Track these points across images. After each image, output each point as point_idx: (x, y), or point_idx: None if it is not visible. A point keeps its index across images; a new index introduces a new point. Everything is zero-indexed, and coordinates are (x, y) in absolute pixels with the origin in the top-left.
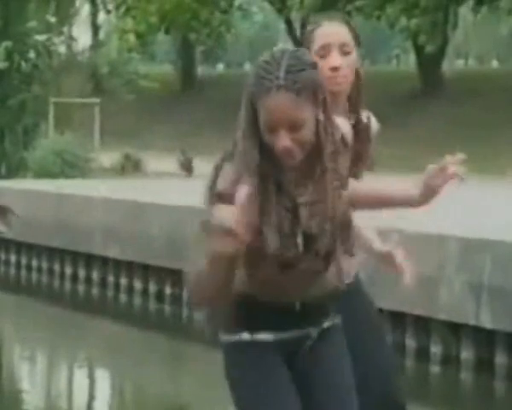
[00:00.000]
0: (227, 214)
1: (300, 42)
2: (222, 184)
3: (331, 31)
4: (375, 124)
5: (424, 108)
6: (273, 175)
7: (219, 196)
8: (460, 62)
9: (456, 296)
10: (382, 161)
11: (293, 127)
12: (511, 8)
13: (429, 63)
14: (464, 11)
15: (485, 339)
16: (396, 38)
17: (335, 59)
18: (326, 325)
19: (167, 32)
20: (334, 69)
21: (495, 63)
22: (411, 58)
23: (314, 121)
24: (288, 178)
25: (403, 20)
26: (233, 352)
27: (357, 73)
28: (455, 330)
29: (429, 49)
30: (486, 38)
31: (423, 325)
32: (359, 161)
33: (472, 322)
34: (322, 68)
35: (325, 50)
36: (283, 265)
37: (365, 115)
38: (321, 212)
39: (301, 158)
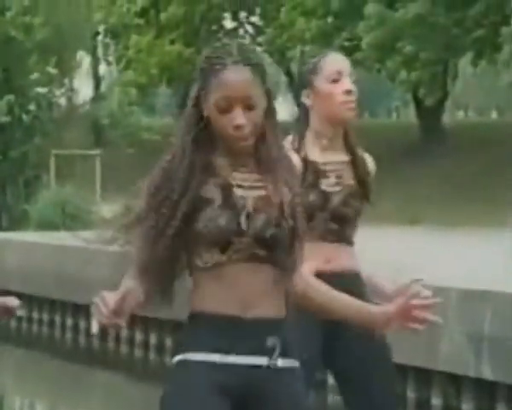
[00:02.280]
0: (99, 308)
1: (299, 79)
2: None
3: (342, 58)
4: (371, 162)
5: (424, 160)
6: (203, 158)
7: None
8: (460, 114)
9: (457, 348)
10: (383, 214)
11: (248, 105)
12: (510, 61)
13: (429, 115)
14: (464, 63)
15: (486, 391)
16: (396, 90)
17: (349, 83)
18: (281, 363)
19: (169, 83)
20: (349, 93)
21: (494, 115)
22: (411, 110)
23: (262, 109)
24: (221, 162)
25: (403, 73)
26: (172, 371)
27: None
28: (455, 381)
29: (429, 101)
30: (486, 89)
31: (424, 376)
32: (362, 196)
33: (472, 374)
34: (335, 94)
35: (339, 75)
36: (223, 244)
37: (360, 152)
38: (264, 197)
39: (248, 142)
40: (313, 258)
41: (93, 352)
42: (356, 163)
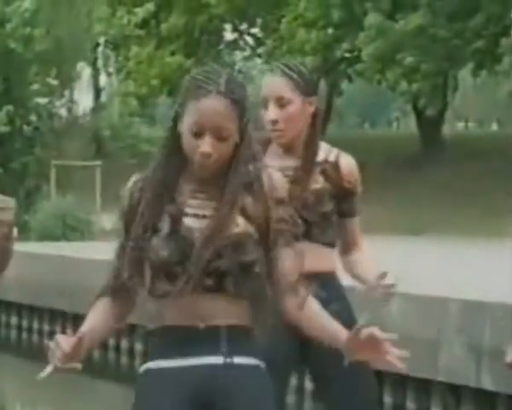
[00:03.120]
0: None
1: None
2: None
3: (269, 83)
4: (346, 160)
5: (424, 170)
6: (171, 179)
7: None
8: (460, 125)
9: (457, 358)
10: (382, 224)
11: (219, 136)
12: (510, 71)
13: (429, 126)
14: (464, 74)
15: (486, 401)
16: (396, 101)
17: (273, 112)
18: (238, 360)
19: (169, 94)
20: (272, 123)
21: (495, 126)
22: (411, 121)
23: (234, 143)
24: (183, 186)
25: (403, 84)
26: (137, 382)
27: (312, 117)
28: (455, 391)
29: (429, 112)
30: (486, 101)
31: (424, 387)
32: (344, 200)
33: (472, 384)
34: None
35: (266, 103)
36: (168, 274)
37: (334, 154)
38: (213, 227)
39: (210, 171)
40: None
41: (93, 362)
42: (308, 168)
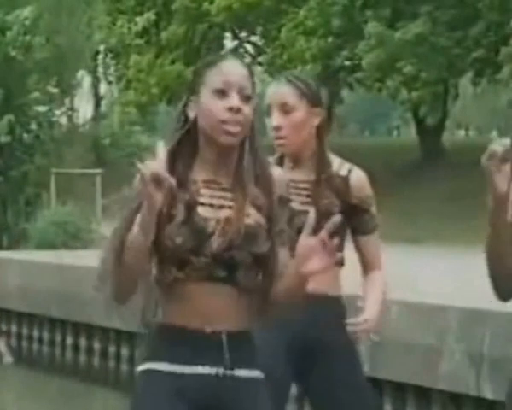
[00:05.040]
0: (151, 164)
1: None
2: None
3: (275, 91)
4: (357, 175)
5: (425, 179)
6: (180, 171)
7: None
8: (460, 133)
9: (457, 366)
10: (382, 232)
11: (243, 94)
12: (509, 80)
13: (430, 134)
14: (464, 83)
15: (487, 409)
16: (396, 109)
17: (276, 119)
18: (239, 373)
19: (169, 103)
20: (276, 129)
21: (495, 134)
22: (412, 129)
23: (253, 108)
24: (195, 176)
25: (403, 93)
26: (137, 380)
27: (317, 130)
28: (455, 400)
29: (430, 120)
30: (486, 109)
31: (424, 395)
32: (355, 217)
33: (473, 392)
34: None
35: (270, 109)
36: (180, 262)
37: (345, 169)
38: (228, 218)
39: (235, 141)
40: None
41: (93, 370)
42: (321, 182)
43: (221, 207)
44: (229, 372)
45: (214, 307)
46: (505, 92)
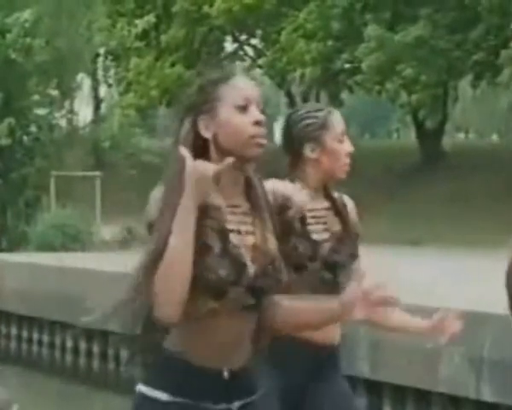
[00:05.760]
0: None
1: (295, 129)
2: (152, 213)
3: (342, 118)
4: (350, 201)
5: (425, 181)
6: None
7: (150, 226)
8: (460, 136)
9: (457, 369)
10: (383, 235)
11: (260, 108)
12: (510, 83)
13: (429, 137)
14: (463, 85)
15: None
16: (396, 111)
17: (350, 145)
18: (249, 399)
19: (169, 106)
20: (349, 155)
21: (495, 137)
22: (412, 132)
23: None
24: (215, 201)
25: (403, 96)
26: (145, 406)
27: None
28: (455, 403)
29: (429, 123)
30: (486, 112)
31: (423, 398)
32: (351, 240)
33: (472, 395)
34: (342, 154)
35: (343, 136)
36: (220, 293)
37: (337, 196)
38: (255, 245)
39: (260, 153)
40: None
41: (93, 373)
42: (337, 208)
43: (246, 233)
44: (237, 405)
45: (235, 339)
46: (505, 95)
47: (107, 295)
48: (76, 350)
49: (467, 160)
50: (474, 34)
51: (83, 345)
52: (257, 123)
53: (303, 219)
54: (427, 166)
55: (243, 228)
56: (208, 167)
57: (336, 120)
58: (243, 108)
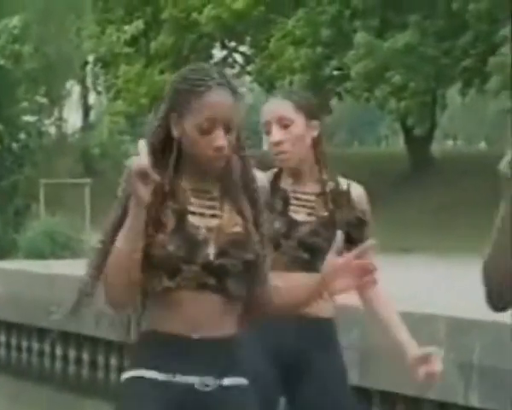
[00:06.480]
0: (136, 159)
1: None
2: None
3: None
4: (357, 189)
5: (414, 188)
6: (165, 181)
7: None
8: (449, 143)
9: (446, 376)
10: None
11: (228, 128)
12: (498, 91)
13: (418, 144)
14: (452, 93)
15: None
16: (385, 118)
17: (274, 135)
18: (227, 381)
19: None
20: (276, 144)
21: (483, 144)
22: (400, 139)
23: (237, 134)
24: (183, 186)
25: (392, 102)
26: (123, 387)
27: (314, 142)
28: (444, 409)
29: (418, 130)
30: (474, 119)
31: (413, 404)
32: (355, 229)
33: (461, 401)
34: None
35: (268, 127)
36: (171, 270)
37: (344, 183)
38: (218, 226)
39: (221, 166)
40: None
41: (83, 381)
42: (326, 194)
43: (211, 215)
44: (217, 382)
45: (203, 315)
46: (493, 102)
47: (96, 301)
48: (66, 358)
49: (456, 166)
50: (463, 41)
51: (72, 353)
52: (217, 149)
53: (286, 200)
54: (416, 172)
55: (208, 211)
56: (141, 162)
57: (264, 109)
58: (206, 131)
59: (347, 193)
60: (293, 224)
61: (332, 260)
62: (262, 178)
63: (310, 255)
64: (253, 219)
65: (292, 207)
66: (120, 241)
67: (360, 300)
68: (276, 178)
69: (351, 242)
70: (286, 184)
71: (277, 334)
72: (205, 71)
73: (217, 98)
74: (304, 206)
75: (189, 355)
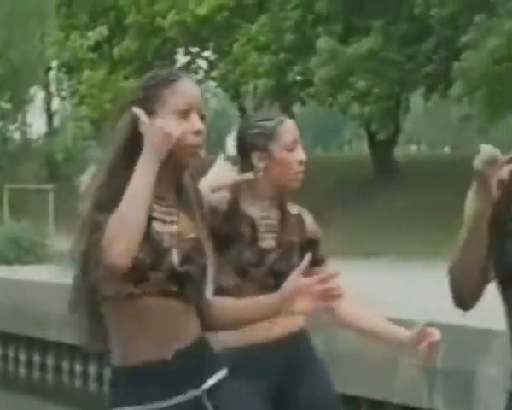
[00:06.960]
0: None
1: (244, 139)
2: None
3: (296, 127)
4: (305, 212)
5: (377, 193)
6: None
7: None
8: (413, 148)
9: (411, 380)
10: (338, 247)
11: (201, 114)
12: (461, 96)
13: (382, 149)
14: (415, 97)
15: None
16: (349, 123)
17: (303, 153)
18: (211, 381)
19: None
20: (301, 163)
21: (447, 149)
22: (364, 144)
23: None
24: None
25: (355, 107)
26: None
27: None
28: None
29: (382, 135)
30: (438, 124)
31: (378, 408)
32: (310, 250)
33: (426, 405)
34: (291, 163)
35: (295, 144)
36: (138, 277)
37: (296, 209)
38: (179, 232)
39: (198, 156)
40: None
41: (47, 386)
42: (287, 220)
43: (170, 222)
44: (203, 388)
45: (170, 325)
46: (456, 107)
47: (61, 306)
48: (30, 363)
49: (419, 171)
50: (426, 46)
51: (37, 358)
52: (197, 132)
53: (253, 227)
54: (380, 177)
55: (168, 218)
56: (173, 128)
57: (286, 128)
58: (185, 114)
59: (299, 216)
60: (263, 253)
61: (293, 280)
62: (221, 198)
63: (277, 281)
64: (202, 224)
65: (259, 235)
66: (136, 179)
67: (329, 314)
68: (235, 200)
69: (311, 264)
70: (246, 206)
71: (264, 369)
72: (169, 69)
73: (189, 85)
74: (269, 231)
75: (170, 376)
